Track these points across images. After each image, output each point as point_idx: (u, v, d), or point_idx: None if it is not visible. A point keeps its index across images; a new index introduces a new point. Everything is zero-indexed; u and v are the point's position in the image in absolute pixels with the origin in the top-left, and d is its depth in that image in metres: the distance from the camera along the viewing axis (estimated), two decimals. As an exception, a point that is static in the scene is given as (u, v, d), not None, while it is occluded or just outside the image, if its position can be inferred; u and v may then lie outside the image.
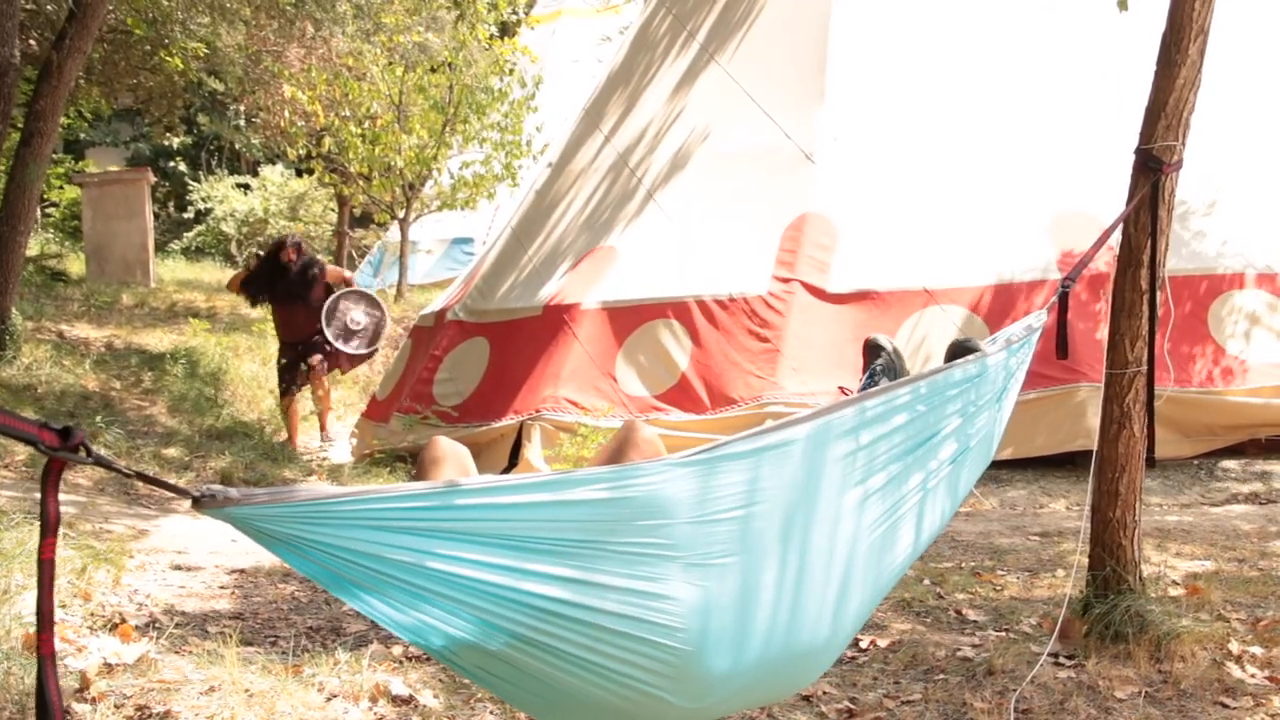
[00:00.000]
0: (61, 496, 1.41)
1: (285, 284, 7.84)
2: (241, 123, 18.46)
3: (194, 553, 4.60)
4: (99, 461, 1.30)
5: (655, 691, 1.69)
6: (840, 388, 2.90)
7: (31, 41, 10.09)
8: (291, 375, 7.89)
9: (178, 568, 4.35)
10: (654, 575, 1.64)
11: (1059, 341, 3.20)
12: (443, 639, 1.58)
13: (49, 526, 1.29)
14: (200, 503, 1.34)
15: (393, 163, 13.70)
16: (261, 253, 8.31)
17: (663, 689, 1.70)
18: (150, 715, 2.65)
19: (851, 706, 2.99)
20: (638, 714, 1.72)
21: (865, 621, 2.13)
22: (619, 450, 2.10)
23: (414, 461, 6.73)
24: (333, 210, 19.33)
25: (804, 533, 1.82)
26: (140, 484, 6.01)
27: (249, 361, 9.60)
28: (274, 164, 20.82)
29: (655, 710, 1.72)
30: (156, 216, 16.72)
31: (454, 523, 1.51)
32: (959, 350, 2.43)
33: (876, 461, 1.97)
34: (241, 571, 4.37)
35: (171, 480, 1.48)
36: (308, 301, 7.87)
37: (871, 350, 2.67)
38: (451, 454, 2.19)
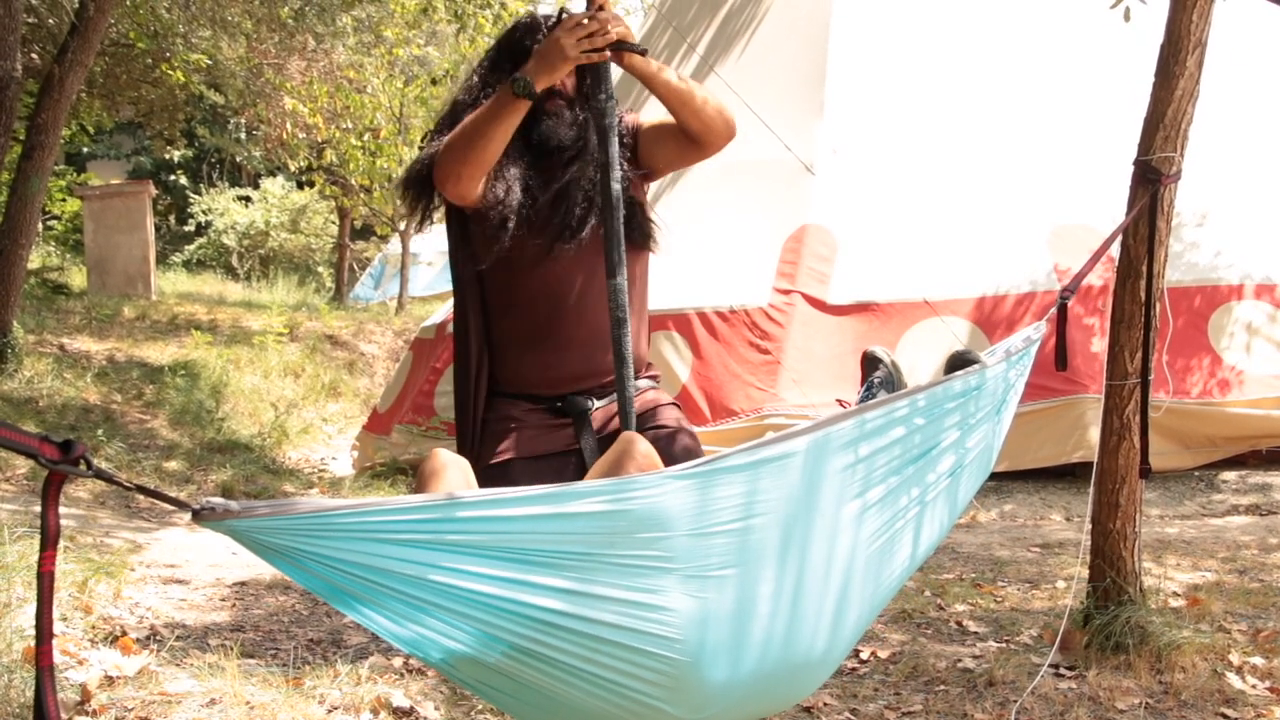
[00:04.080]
0: (61, 510, 1.41)
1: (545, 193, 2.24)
2: (242, 135, 18.52)
3: (194, 565, 4.60)
4: (99, 475, 1.30)
5: (654, 702, 1.69)
6: (838, 400, 2.87)
7: (33, 55, 10.13)
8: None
9: (178, 580, 4.35)
10: (652, 587, 1.64)
11: (1058, 353, 3.20)
12: (442, 651, 1.58)
13: (49, 539, 1.29)
14: (200, 515, 1.33)
15: (394, 175, 13.74)
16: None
17: (661, 699, 1.70)
18: (151, 728, 2.66)
19: (852, 718, 2.99)
20: None
21: (863, 634, 2.14)
22: (616, 463, 2.10)
23: (415, 474, 6.75)
24: (334, 222, 19.37)
25: (802, 545, 1.82)
26: (140, 497, 6.00)
27: (250, 374, 9.60)
28: (275, 176, 20.88)
29: None
30: (158, 229, 16.74)
31: (455, 535, 1.50)
32: (958, 361, 2.41)
33: (875, 474, 1.96)
34: (242, 584, 4.37)
35: (172, 494, 1.47)
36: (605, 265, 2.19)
37: (869, 363, 2.65)
38: (452, 465, 2.18)
